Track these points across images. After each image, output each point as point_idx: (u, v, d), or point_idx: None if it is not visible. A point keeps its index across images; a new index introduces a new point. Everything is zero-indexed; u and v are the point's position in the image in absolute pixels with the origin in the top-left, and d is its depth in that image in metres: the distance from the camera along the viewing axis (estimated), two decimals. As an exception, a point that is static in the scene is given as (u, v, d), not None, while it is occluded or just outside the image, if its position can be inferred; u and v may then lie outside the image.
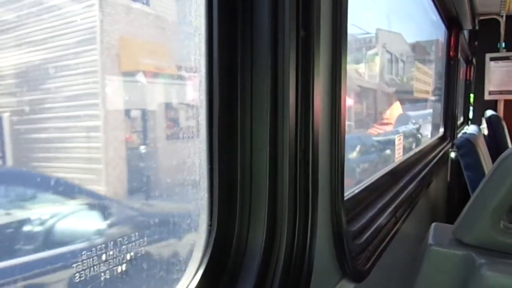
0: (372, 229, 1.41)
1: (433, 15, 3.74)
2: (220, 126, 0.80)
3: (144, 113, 0.97)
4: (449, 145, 3.76)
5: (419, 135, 3.97)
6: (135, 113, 0.95)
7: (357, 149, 2.50)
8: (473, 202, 1.09)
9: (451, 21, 3.89)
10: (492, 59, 5.83)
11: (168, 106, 0.99)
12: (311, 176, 0.89)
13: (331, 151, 1.02)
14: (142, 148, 0.98)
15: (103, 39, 0.85)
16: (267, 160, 0.83)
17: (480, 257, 1.02)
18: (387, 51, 3.53)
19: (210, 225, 0.81)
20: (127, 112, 0.93)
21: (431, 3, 3.32)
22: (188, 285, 0.77)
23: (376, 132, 3.01)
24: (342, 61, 1.01)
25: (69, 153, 0.82)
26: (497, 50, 5.79)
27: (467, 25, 4.15)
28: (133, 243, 0.74)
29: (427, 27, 4.25)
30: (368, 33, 2.85)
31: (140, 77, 0.91)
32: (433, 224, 1.26)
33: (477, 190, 1.09)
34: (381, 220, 1.51)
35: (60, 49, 0.79)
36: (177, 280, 0.78)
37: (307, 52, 0.85)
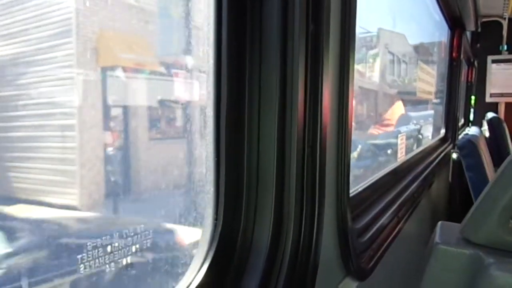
0: (376, 227, 1.40)
1: (436, 15, 3.73)
2: (228, 120, 0.79)
3: (125, 111, 0.90)
4: (450, 146, 3.75)
5: (420, 136, 3.96)
6: (116, 111, 0.89)
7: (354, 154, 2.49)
8: (481, 201, 1.08)
9: (454, 22, 3.88)
10: (494, 61, 5.83)
11: (151, 104, 0.93)
12: (318, 172, 0.88)
13: (338, 147, 1.01)
14: (122, 149, 0.91)
15: (79, 32, 0.80)
16: (274, 155, 0.81)
17: (488, 256, 1.01)
18: (389, 52, 3.51)
19: (215, 219, 0.80)
20: (106, 110, 0.86)
21: (435, 3, 3.31)
22: (193, 279, 0.75)
23: (375, 134, 2.99)
24: (350, 56, 1.00)
25: (42, 153, 0.78)
26: (499, 53, 5.79)
27: (471, 26, 4.14)
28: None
29: (430, 27, 4.25)
30: (369, 32, 2.84)
31: (120, 73, 0.85)
32: (439, 223, 1.25)
33: (486, 189, 1.08)
34: (384, 219, 1.50)
35: (33, 43, 0.74)
36: (182, 274, 0.77)
37: (316, 46, 0.84)
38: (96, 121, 0.85)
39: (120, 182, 0.90)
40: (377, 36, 3.16)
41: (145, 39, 0.92)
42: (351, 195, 1.28)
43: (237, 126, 0.81)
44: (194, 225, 0.87)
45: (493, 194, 1.06)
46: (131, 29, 0.87)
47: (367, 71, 3.04)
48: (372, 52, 3.03)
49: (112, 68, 0.85)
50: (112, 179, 0.90)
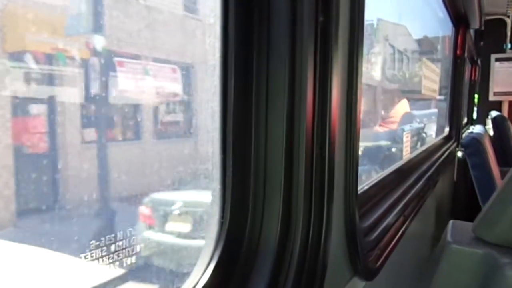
0: (382, 226, 1.38)
1: (440, 12, 3.70)
2: (235, 116, 0.77)
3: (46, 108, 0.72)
4: (454, 144, 3.72)
5: (424, 135, 3.93)
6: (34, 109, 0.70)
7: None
8: (494, 200, 1.05)
9: (458, 19, 3.85)
10: (497, 59, 5.80)
11: (73, 100, 0.73)
12: (327, 172, 0.85)
13: (346, 146, 0.99)
14: (41, 154, 0.74)
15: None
16: (282, 154, 0.79)
17: (503, 256, 0.99)
18: (390, 45, 3.45)
19: (222, 217, 0.78)
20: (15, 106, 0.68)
21: (440, 2, 3.28)
22: (199, 279, 0.73)
23: (375, 134, 2.96)
24: (359, 49, 0.98)
25: None
26: (503, 51, 5.76)
27: (475, 24, 4.11)
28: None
29: (434, 24, 4.22)
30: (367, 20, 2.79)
31: (31, 59, 0.66)
32: (451, 222, 1.22)
33: (499, 188, 1.05)
34: (391, 217, 1.48)
35: None
36: (188, 274, 0.75)
37: (325, 39, 0.81)
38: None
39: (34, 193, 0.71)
40: (375, 27, 3.12)
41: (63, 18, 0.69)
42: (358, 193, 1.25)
43: (245, 124, 0.79)
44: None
45: (507, 192, 1.03)
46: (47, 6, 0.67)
47: (365, 65, 2.99)
48: (372, 44, 2.98)
49: (22, 55, 0.66)
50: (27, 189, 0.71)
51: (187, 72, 0.82)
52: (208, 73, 0.91)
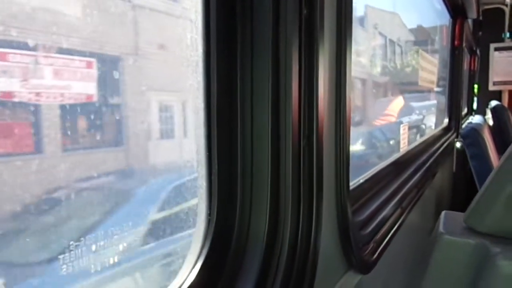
0: (378, 219, 1.37)
1: (437, 3, 3.67)
2: (219, 110, 0.76)
3: None
4: (454, 135, 3.71)
5: (423, 127, 3.92)
6: None
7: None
8: (486, 189, 1.04)
9: (456, 10, 3.83)
10: (496, 49, 5.77)
11: None
12: (315, 165, 0.84)
13: (336, 138, 0.98)
14: None
15: None
16: (269, 147, 0.78)
17: (495, 245, 0.98)
18: (380, 33, 3.36)
19: (209, 215, 0.77)
20: None
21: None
22: (186, 278, 0.72)
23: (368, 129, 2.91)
24: (347, 41, 0.96)
25: None
26: (502, 40, 5.73)
27: (472, 14, 4.08)
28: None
29: (431, 15, 4.19)
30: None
31: None
32: (443, 212, 1.21)
33: (490, 177, 1.04)
34: (387, 210, 1.47)
35: None
36: (175, 273, 0.74)
37: (310, 32, 0.80)
38: None
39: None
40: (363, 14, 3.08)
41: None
42: (352, 187, 1.24)
43: (229, 117, 0.78)
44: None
45: (498, 181, 1.02)
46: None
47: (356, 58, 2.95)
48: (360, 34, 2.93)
49: None
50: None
51: (110, 67, 0.73)
52: (144, 66, 0.86)
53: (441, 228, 1.08)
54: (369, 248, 1.22)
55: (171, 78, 0.97)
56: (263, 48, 0.76)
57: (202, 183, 0.77)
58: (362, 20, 2.78)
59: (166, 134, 0.98)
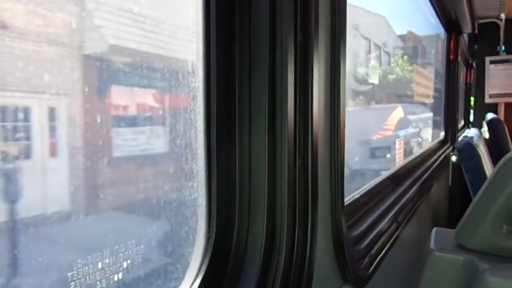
0: (373, 234, 1.39)
1: (432, 18, 3.74)
2: (218, 131, 0.80)
3: None
4: (450, 148, 3.74)
5: (419, 140, 3.95)
6: None
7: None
8: (474, 206, 1.08)
9: (450, 25, 3.89)
10: (492, 62, 5.82)
11: None
12: (310, 182, 0.88)
13: (331, 156, 1.01)
14: None
15: None
16: (265, 166, 0.82)
17: (483, 262, 1.01)
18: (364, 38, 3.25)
19: (208, 232, 0.80)
20: None
21: (430, 7, 3.31)
22: (186, 294, 0.75)
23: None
24: (341, 65, 1.00)
25: None
26: (497, 53, 5.78)
27: (467, 29, 4.15)
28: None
29: (426, 30, 4.25)
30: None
31: None
32: (434, 229, 1.24)
33: (478, 194, 1.07)
34: (382, 225, 1.50)
35: None
36: (175, 288, 0.77)
37: (305, 57, 0.84)
38: None
39: None
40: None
41: None
42: (346, 202, 1.28)
43: (228, 137, 0.82)
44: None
45: (485, 198, 1.05)
46: None
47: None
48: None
49: None
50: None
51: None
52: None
53: (432, 244, 1.11)
54: (364, 263, 1.24)
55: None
56: (260, 72, 0.80)
57: (202, 201, 0.81)
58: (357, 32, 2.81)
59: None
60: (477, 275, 0.98)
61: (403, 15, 3.54)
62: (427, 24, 4.03)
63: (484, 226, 1.03)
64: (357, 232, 1.32)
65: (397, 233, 1.62)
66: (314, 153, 0.88)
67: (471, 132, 4.05)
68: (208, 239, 0.80)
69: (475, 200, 1.07)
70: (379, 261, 1.35)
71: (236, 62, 0.81)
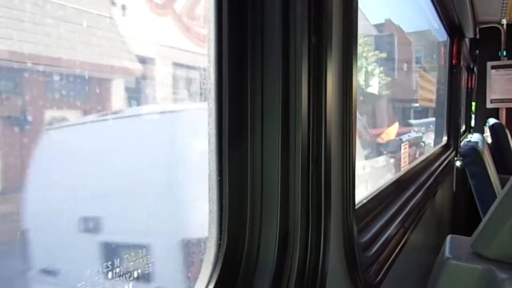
0: (382, 240, 1.37)
1: (435, 23, 3.73)
2: (230, 136, 0.78)
3: None
4: (453, 153, 3.73)
5: (422, 144, 3.93)
6: None
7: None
8: (492, 215, 1.05)
9: (453, 29, 3.88)
10: (493, 67, 5.81)
11: None
12: (323, 187, 0.86)
13: (343, 159, 1.00)
14: None
15: None
16: (278, 171, 0.79)
17: (502, 271, 0.98)
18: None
19: (219, 239, 0.78)
20: None
21: (434, 12, 3.31)
22: (198, 302, 0.73)
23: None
24: (353, 68, 0.99)
25: None
26: (498, 59, 5.78)
27: (469, 33, 4.14)
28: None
29: (429, 34, 4.25)
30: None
31: None
32: (448, 237, 1.22)
33: (496, 202, 1.05)
34: (391, 230, 1.48)
35: None
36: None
37: (319, 59, 0.83)
38: None
39: None
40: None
41: None
42: (356, 207, 1.25)
43: (240, 142, 0.79)
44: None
45: (504, 207, 1.03)
46: None
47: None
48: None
49: None
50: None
51: None
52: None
53: (447, 253, 1.09)
54: (374, 269, 1.22)
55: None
56: (273, 75, 0.79)
57: (213, 207, 0.79)
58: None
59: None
60: (496, 285, 0.96)
61: (408, 19, 3.55)
62: (432, 29, 4.02)
63: (503, 235, 1.01)
64: (366, 238, 1.30)
65: (405, 238, 1.60)
66: (327, 157, 0.86)
67: (474, 137, 4.03)
68: (219, 246, 0.78)
69: (492, 207, 1.05)
70: (388, 267, 1.33)
71: (249, 65, 0.79)
